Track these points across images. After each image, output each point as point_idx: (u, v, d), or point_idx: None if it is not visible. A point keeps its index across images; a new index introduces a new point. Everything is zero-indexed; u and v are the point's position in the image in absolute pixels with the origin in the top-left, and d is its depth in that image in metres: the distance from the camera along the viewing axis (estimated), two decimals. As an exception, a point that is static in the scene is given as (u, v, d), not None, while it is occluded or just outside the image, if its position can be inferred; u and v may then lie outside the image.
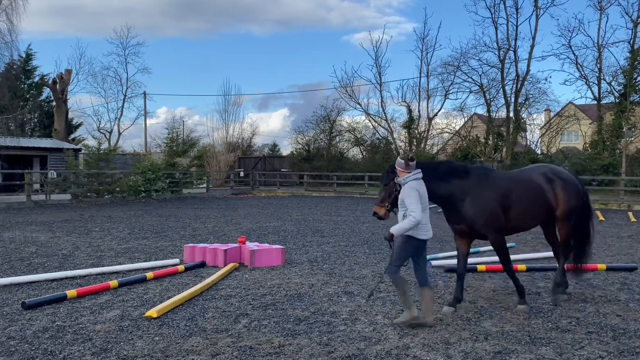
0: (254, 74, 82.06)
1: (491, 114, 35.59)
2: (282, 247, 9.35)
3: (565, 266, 6.76)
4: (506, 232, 6.31)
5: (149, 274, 7.72)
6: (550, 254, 9.85)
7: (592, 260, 9.37)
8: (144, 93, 45.02)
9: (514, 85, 33.96)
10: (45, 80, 38.41)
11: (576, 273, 6.94)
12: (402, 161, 5.51)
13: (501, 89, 34.37)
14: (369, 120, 41.19)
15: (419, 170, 5.61)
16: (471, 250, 10.24)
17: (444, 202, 6.16)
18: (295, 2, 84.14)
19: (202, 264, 8.74)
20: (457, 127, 39.34)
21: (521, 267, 8.40)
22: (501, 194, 6.11)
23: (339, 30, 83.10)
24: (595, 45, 31.04)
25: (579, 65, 31.98)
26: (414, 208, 5.33)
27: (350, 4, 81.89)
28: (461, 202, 6.01)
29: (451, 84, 37.29)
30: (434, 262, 8.80)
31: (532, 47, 33.14)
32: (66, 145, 29.65)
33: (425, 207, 5.54)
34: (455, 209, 6.08)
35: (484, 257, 9.65)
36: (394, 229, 5.42)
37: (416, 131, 39.35)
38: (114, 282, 7.21)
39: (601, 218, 17.53)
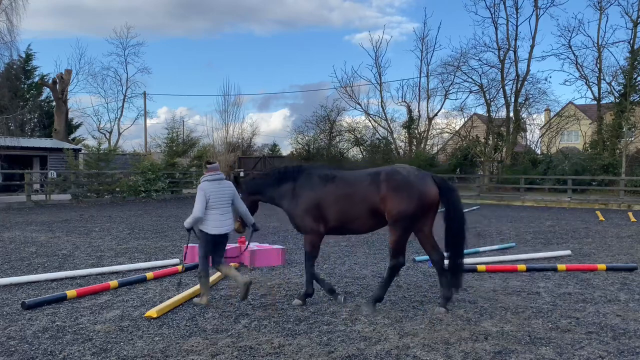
0: (255, 73, 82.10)
1: (491, 114, 35.60)
2: (282, 247, 9.35)
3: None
4: (337, 232, 6.43)
5: (149, 274, 7.72)
6: (551, 253, 9.90)
7: (592, 260, 9.39)
8: (144, 93, 45.03)
9: (514, 85, 34.00)
10: (45, 80, 38.41)
11: (451, 284, 6.18)
12: (203, 164, 6.45)
13: (501, 89, 34.41)
14: (369, 120, 41.18)
15: (216, 173, 6.32)
16: (471, 250, 10.35)
17: (281, 202, 6.54)
18: (297, 2, 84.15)
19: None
20: (457, 127, 39.34)
21: (521, 267, 8.40)
22: (319, 193, 6.24)
23: (341, 30, 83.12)
24: (595, 45, 31.08)
25: (579, 65, 32.02)
26: (195, 204, 6.17)
27: (351, 4, 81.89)
28: (289, 201, 6.42)
29: (451, 84, 37.31)
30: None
31: (532, 47, 33.21)
32: (66, 145, 29.64)
33: (218, 205, 6.19)
34: (287, 206, 6.47)
35: (484, 257, 9.65)
36: (185, 222, 6.30)
37: (416, 131, 39.33)
38: (114, 282, 7.21)
39: (601, 218, 17.54)
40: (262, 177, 6.87)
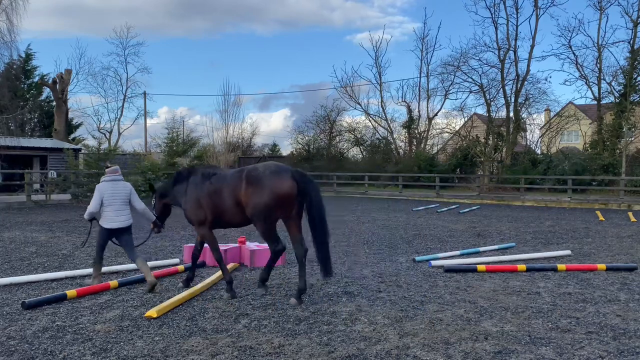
0: (256, 73, 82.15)
1: (491, 114, 35.59)
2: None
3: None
4: (217, 225, 7.00)
5: (149, 274, 7.71)
6: (551, 253, 9.90)
7: (592, 260, 9.40)
8: (144, 93, 45.05)
9: (514, 85, 33.99)
10: (45, 80, 38.36)
11: (324, 273, 6.62)
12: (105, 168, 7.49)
13: (501, 89, 34.40)
14: (369, 120, 41.22)
15: (114, 174, 7.27)
16: (471, 250, 10.36)
17: (179, 200, 7.28)
18: (299, 1, 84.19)
19: (202, 264, 8.75)
20: (457, 127, 39.36)
21: (521, 267, 8.40)
22: (200, 191, 6.88)
23: (342, 30, 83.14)
24: (595, 45, 31.09)
25: (579, 65, 32.02)
26: (91, 201, 7.12)
27: (353, 4, 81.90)
28: (183, 198, 7.13)
29: (451, 84, 37.35)
30: (434, 262, 8.80)
31: (532, 47, 33.20)
32: (66, 145, 29.62)
33: (112, 203, 7.10)
34: (182, 204, 7.19)
35: (484, 257, 9.65)
36: (84, 215, 7.31)
37: (416, 131, 39.36)
38: (114, 282, 7.21)
39: (601, 218, 17.54)
40: (167, 181, 7.60)
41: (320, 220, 6.50)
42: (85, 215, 7.24)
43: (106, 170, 7.40)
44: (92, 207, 7.10)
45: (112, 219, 7.11)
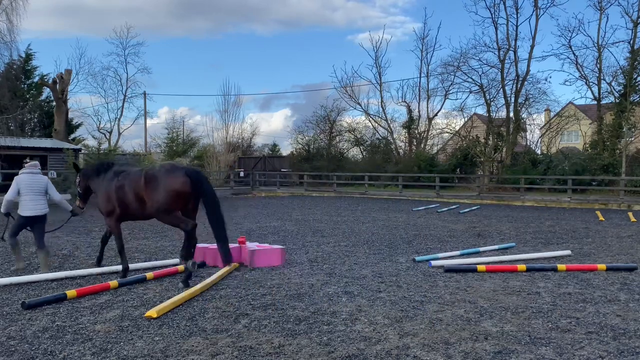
0: (257, 73, 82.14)
1: (491, 114, 35.59)
2: (282, 247, 9.35)
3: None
4: (124, 217, 7.74)
5: (149, 274, 7.72)
6: (551, 253, 9.91)
7: (592, 260, 9.40)
8: (144, 93, 45.06)
9: (514, 85, 33.98)
10: (45, 80, 38.31)
11: (224, 259, 7.43)
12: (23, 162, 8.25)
13: (501, 89, 34.39)
14: (369, 120, 41.21)
15: (32, 168, 8.06)
16: (471, 250, 10.37)
17: (96, 190, 8.01)
18: (300, 1, 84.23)
19: (202, 264, 8.74)
20: (457, 127, 39.36)
21: (521, 267, 8.40)
22: (110, 186, 7.59)
23: (344, 30, 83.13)
24: (595, 45, 31.06)
25: (579, 66, 32.00)
26: (8, 191, 7.99)
27: (355, 4, 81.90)
28: (98, 190, 7.89)
29: (451, 84, 37.34)
30: (434, 262, 8.80)
31: (532, 47, 33.20)
32: (66, 145, 29.60)
33: (29, 193, 7.92)
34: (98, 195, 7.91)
35: (484, 257, 9.65)
36: (1, 208, 8.15)
37: (416, 131, 39.35)
38: (114, 282, 7.21)
39: (601, 218, 17.54)
40: (93, 166, 8.29)
41: (215, 212, 7.17)
42: (2, 208, 8.07)
43: (25, 164, 8.10)
44: (8, 195, 7.92)
45: (28, 208, 7.89)
